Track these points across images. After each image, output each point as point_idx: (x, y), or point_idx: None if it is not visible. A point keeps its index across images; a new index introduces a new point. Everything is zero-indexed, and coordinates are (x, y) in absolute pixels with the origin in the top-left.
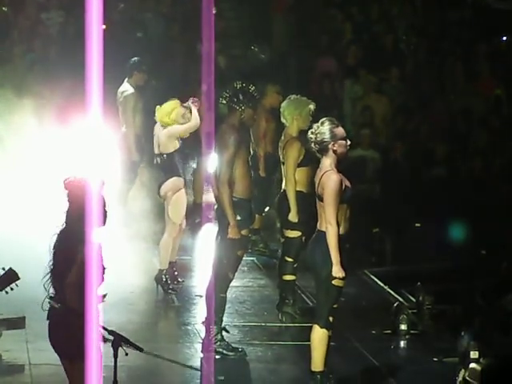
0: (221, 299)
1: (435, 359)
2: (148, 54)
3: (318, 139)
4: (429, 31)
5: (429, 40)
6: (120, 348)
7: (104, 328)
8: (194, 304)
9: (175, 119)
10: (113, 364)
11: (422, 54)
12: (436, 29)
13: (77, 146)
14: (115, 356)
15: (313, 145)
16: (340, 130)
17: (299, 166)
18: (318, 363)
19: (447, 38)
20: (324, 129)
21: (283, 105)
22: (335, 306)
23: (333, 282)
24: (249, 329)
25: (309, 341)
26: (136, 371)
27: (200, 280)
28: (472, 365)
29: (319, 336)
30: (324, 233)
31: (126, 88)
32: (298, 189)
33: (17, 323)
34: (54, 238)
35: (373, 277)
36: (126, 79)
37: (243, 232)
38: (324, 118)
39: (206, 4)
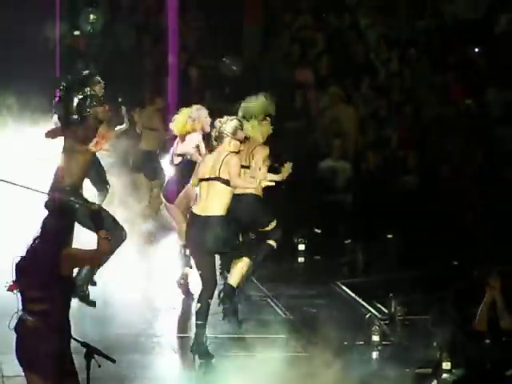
0: None
1: (407, 370)
2: (119, 65)
3: (221, 128)
4: (400, 41)
5: (400, 50)
6: (93, 360)
7: (76, 340)
8: (167, 316)
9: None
10: (85, 376)
11: (393, 63)
12: (407, 39)
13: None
14: (88, 368)
15: (213, 131)
16: (241, 134)
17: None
18: (235, 280)
19: (418, 48)
20: (231, 124)
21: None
22: None
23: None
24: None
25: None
26: (109, 383)
27: (173, 292)
28: (444, 375)
29: (243, 263)
30: (211, 216)
31: None
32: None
33: None
34: (26, 250)
35: (345, 288)
36: None
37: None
38: (235, 117)
39: (174, 16)
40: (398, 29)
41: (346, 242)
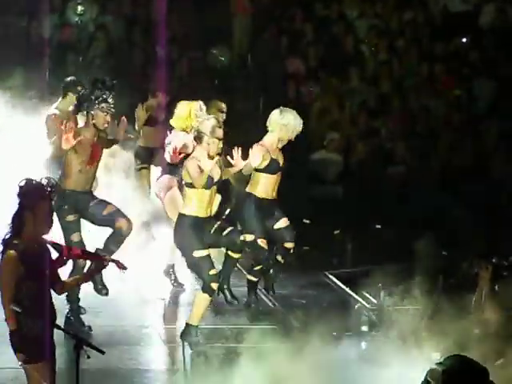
0: None
1: (397, 360)
2: (108, 57)
3: (199, 128)
4: (389, 32)
5: (389, 41)
6: (82, 351)
7: (66, 331)
8: (155, 307)
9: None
10: (75, 367)
11: (382, 54)
12: (396, 30)
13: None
14: (77, 359)
15: (192, 130)
16: (220, 132)
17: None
18: (194, 318)
19: (407, 38)
20: (208, 123)
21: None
22: (212, 272)
23: (193, 254)
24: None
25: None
26: (98, 374)
27: (163, 283)
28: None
29: (200, 298)
30: (183, 215)
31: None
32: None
33: None
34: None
35: (333, 278)
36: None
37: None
38: (213, 116)
39: (163, 7)
40: (386, 19)
41: (335, 232)
